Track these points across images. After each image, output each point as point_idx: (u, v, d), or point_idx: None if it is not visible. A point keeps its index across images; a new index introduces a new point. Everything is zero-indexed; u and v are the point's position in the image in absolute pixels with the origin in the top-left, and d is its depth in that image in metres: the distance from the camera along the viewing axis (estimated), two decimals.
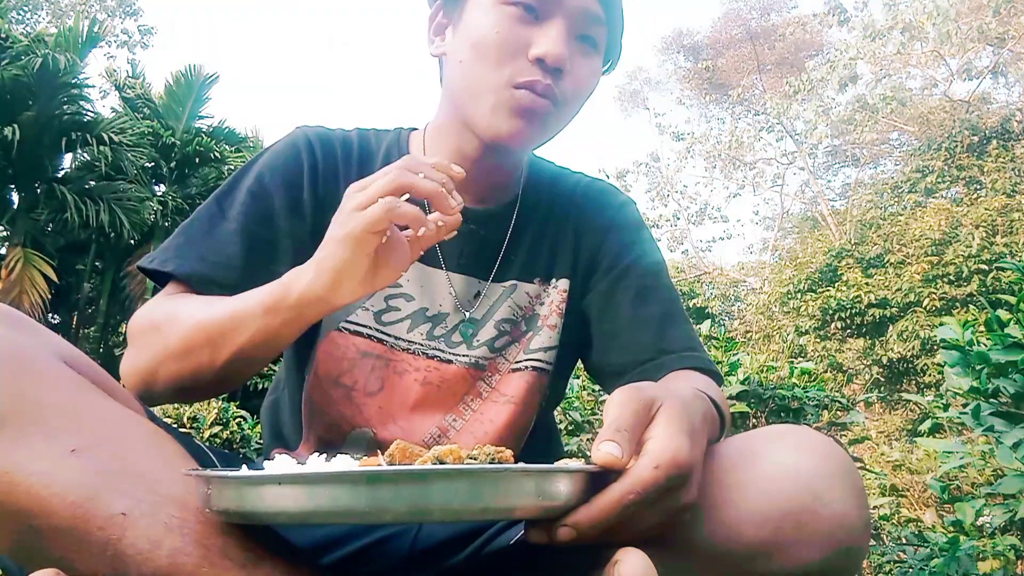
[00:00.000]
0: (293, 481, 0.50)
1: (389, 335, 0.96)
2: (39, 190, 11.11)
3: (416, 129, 1.07)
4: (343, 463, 0.54)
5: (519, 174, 1.05)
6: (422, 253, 0.77)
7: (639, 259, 1.03)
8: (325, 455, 0.58)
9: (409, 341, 0.96)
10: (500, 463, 0.55)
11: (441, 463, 0.53)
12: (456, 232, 0.76)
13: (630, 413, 0.57)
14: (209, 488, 0.55)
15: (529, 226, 1.03)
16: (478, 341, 0.98)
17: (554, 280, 1.03)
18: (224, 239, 0.92)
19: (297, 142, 1.00)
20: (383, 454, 0.57)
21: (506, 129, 0.89)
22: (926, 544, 2.05)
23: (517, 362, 0.99)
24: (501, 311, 1.00)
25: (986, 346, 1.71)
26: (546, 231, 1.04)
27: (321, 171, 0.98)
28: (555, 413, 1.18)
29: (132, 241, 11.83)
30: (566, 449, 1.13)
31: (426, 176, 0.71)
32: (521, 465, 0.53)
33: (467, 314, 0.99)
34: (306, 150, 0.99)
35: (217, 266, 0.90)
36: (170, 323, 0.82)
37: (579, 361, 1.08)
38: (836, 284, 10.33)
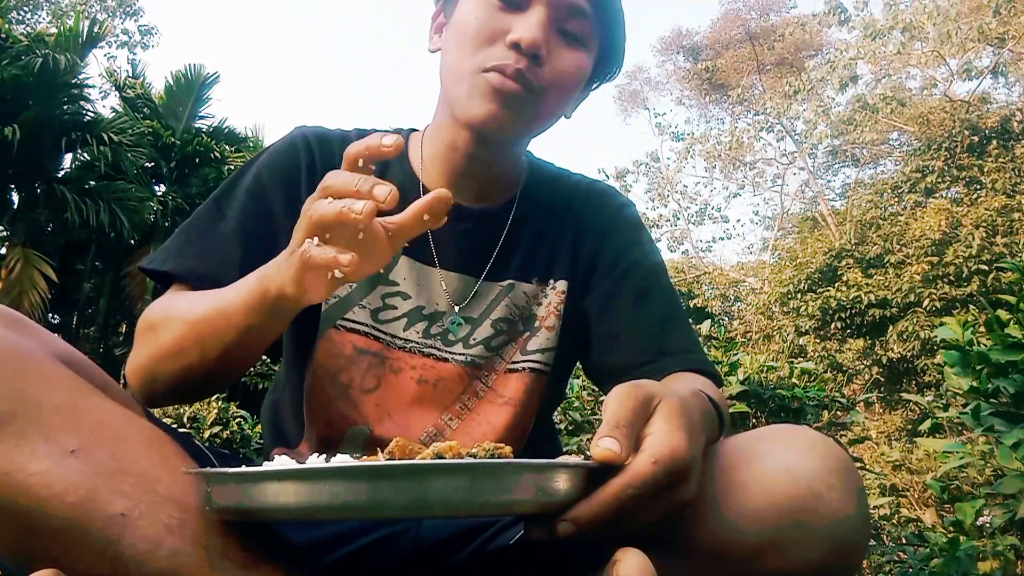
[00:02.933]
0: (293, 477, 0.50)
1: (385, 333, 0.96)
2: (39, 190, 11.09)
3: (416, 130, 1.07)
4: (343, 462, 0.54)
5: (519, 174, 1.06)
6: (405, 243, 0.71)
7: (638, 260, 1.03)
8: (324, 455, 0.58)
9: (405, 339, 0.96)
10: (500, 459, 0.55)
11: (441, 459, 0.53)
12: (448, 222, 0.69)
13: (629, 409, 0.57)
14: (209, 486, 0.55)
15: (527, 226, 1.03)
16: (475, 340, 0.98)
17: (552, 281, 1.02)
18: (223, 238, 0.93)
19: (295, 142, 1.01)
20: (381, 452, 0.57)
21: (478, 112, 0.89)
22: (926, 544, 2.05)
23: (514, 362, 0.99)
24: (498, 310, 1.00)
25: (986, 346, 1.71)
26: (545, 232, 1.04)
27: (319, 171, 0.98)
28: (555, 413, 1.18)
29: (132, 241, 11.82)
30: (565, 449, 1.13)
31: (337, 188, 0.64)
32: (520, 460, 0.53)
33: (463, 312, 0.99)
34: (304, 150, 1.00)
35: (216, 265, 0.91)
36: (164, 323, 0.83)
37: (578, 362, 1.08)
38: (836, 284, 10.32)
